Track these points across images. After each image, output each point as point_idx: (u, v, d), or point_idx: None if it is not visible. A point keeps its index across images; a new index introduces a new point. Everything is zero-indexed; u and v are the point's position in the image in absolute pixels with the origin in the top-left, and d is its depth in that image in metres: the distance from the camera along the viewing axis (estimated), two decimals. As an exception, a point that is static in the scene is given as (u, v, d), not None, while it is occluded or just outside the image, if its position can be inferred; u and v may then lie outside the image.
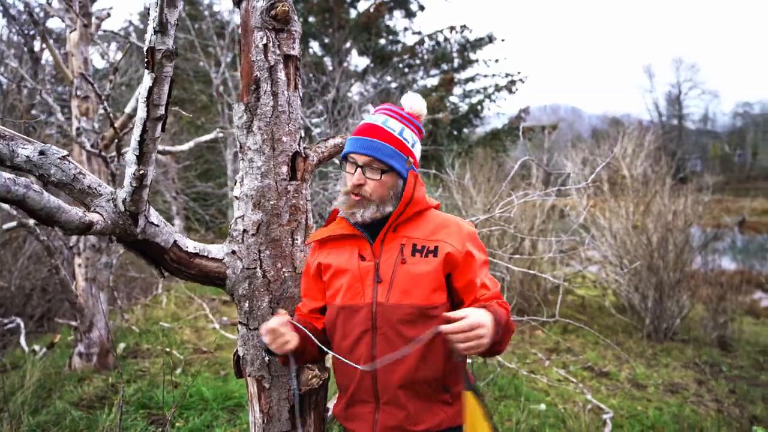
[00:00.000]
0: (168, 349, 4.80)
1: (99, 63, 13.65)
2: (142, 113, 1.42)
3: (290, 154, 1.82)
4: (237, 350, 1.85)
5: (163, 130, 1.49)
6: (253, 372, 1.79)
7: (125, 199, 1.51)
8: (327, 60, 16.69)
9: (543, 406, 4.31)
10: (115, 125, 3.27)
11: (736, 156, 53.68)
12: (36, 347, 4.67)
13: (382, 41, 17.05)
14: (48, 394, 3.59)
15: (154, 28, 1.32)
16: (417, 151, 1.64)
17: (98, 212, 1.50)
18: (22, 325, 5.03)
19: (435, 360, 1.49)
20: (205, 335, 5.54)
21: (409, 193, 1.55)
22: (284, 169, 1.81)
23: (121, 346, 4.74)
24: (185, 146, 5.23)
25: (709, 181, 8.78)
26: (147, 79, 1.39)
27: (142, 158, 1.47)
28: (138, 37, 15.28)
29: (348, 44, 16.52)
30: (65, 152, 1.50)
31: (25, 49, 6.60)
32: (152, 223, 1.63)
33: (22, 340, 4.78)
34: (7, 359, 4.63)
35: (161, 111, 1.44)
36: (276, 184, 1.79)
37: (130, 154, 1.47)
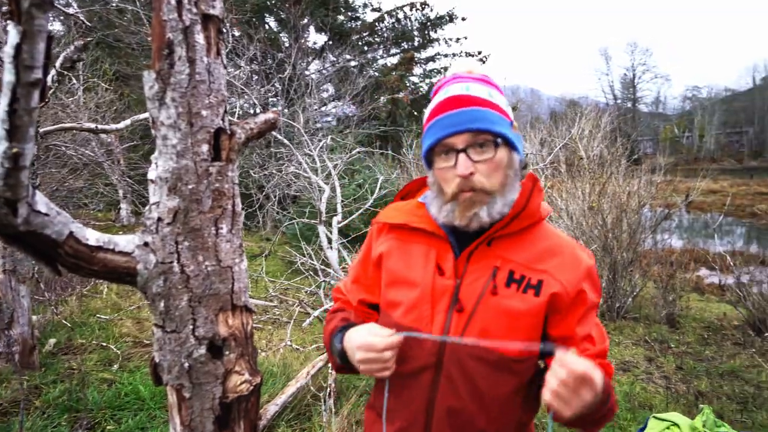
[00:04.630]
0: (104, 344, 4.47)
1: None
2: (10, 77, 1.15)
3: (212, 130, 1.56)
4: (153, 356, 1.62)
5: (42, 98, 1.22)
6: (171, 380, 1.57)
7: (-3, 183, 1.24)
8: (283, 36, 16.13)
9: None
10: None
11: (685, 138, 56.32)
12: (-45, 345, 4.23)
13: (341, 17, 16.63)
14: (-41, 399, 3.24)
15: (17, -32, 1.05)
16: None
17: (-38, 200, 1.23)
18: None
19: (510, 411, 1.17)
20: (148, 326, 5.20)
21: (523, 200, 1.14)
22: (205, 147, 1.55)
23: (51, 341, 4.36)
24: (122, 124, 4.86)
25: (661, 162, 8.96)
26: (13, 34, 1.12)
27: (15, 133, 1.20)
28: (79, 7, 14.31)
29: (305, 20, 15.99)
30: None
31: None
32: (38, 212, 1.35)
33: (-61, 337, 4.33)
34: None
35: (36, 74, 1.16)
36: (195, 165, 1.54)
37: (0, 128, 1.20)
